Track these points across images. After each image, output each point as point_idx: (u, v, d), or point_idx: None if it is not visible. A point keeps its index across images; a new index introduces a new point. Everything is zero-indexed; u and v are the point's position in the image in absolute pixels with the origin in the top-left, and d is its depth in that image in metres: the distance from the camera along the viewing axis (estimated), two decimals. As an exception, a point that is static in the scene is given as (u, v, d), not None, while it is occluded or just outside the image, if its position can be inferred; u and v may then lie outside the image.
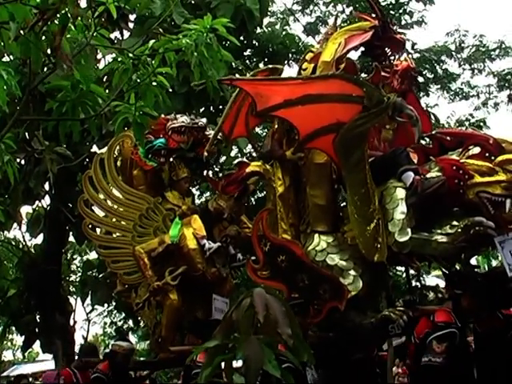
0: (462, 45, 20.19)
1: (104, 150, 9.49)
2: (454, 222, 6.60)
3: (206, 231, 8.56)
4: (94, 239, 9.20)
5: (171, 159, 9.06)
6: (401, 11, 15.29)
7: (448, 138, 7.45)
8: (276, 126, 7.95)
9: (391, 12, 14.96)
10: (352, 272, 7.11)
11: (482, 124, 20.21)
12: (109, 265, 9.05)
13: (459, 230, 6.52)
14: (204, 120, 9.24)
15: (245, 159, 9.50)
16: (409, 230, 6.74)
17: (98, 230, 9.26)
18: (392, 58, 7.74)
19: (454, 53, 19.59)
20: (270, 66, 8.24)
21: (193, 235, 8.49)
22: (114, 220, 9.07)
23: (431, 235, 6.69)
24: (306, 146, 7.21)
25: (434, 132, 7.91)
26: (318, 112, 6.74)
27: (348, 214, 7.20)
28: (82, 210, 9.07)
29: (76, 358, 10.64)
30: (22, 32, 4.52)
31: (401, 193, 6.88)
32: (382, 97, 6.65)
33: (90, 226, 9.17)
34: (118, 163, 9.19)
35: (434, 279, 24.95)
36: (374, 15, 7.77)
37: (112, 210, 9.03)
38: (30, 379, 11.05)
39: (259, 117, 7.59)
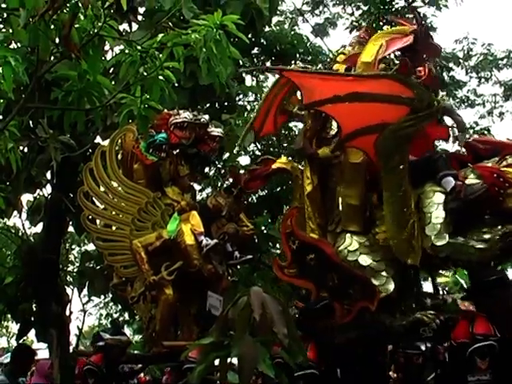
0: (470, 52, 20.22)
1: (106, 142, 9.49)
2: (486, 229, 6.62)
3: (203, 228, 8.56)
4: (93, 231, 9.20)
5: (174, 154, 9.05)
6: (412, 15, 15.22)
7: (482, 146, 7.45)
8: (309, 124, 7.93)
9: (403, 16, 14.88)
10: (384, 273, 7.08)
11: (486, 132, 20.20)
12: (106, 257, 9.06)
13: (497, 237, 6.56)
14: (206, 117, 9.23)
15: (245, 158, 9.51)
16: (446, 234, 6.75)
17: (97, 222, 9.26)
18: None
19: (461, 60, 19.60)
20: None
21: (190, 231, 8.49)
22: (113, 213, 9.07)
23: (467, 241, 6.70)
24: (347, 145, 7.18)
25: (469, 139, 7.93)
26: (364, 111, 6.72)
27: (379, 215, 7.20)
28: (81, 201, 9.07)
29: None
30: (31, 20, 4.52)
31: (440, 197, 6.89)
32: (433, 100, 6.63)
33: (90, 218, 9.17)
34: (119, 156, 9.19)
35: (430, 286, 24.96)
36: (413, 21, 7.71)
37: (111, 203, 9.03)
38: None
39: (305, 110, 7.58)
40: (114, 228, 9.08)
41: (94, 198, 9.13)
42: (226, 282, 8.91)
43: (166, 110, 8.66)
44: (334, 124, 7.74)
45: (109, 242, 9.01)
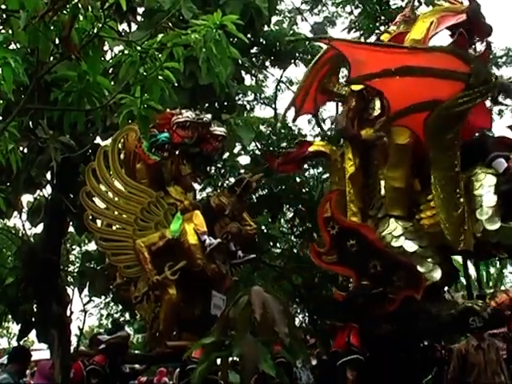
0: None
1: (108, 142, 9.48)
2: None
3: (207, 227, 8.54)
4: (95, 231, 9.19)
5: (176, 153, 9.03)
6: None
7: None
8: (351, 104, 7.77)
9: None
10: (431, 260, 6.94)
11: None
12: (109, 257, 9.05)
13: None
14: (209, 116, 9.22)
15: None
16: (498, 218, 6.60)
17: (98, 222, 9.24)
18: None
19: (461, 58, 19.57)
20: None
21: (194, 231, 8.47)
22: (115, 213, 9.06)
23: None
24: (394, 123, 6.99)
25: None
26: (415, 87, 6.52)
27: (423, 200, 7.03)
28: (84, 201, 9.06)
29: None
30: (31, 21, 4.52)
31: (491, 179, 6.75)
32: (490, 76, 6.43)
33: (91, 218, 9.16)
34: (122, 156, 9.17)
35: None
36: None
37: (114, 203, 9.02)
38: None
39: (351, 84, 7.39)
40: (116, 228, 9.06)
41: (96, 198, 9.11)
42: (229, 281, 8.89)
43: (168, 110, 8.66)
44: (377, 104, 7.56)
45: (112, 242, 9.00)
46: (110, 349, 9.21)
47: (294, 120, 9.44)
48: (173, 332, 8.66)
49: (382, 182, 7.37)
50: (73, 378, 9.71)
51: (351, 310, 7.43)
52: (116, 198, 9.02)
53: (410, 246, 6.98)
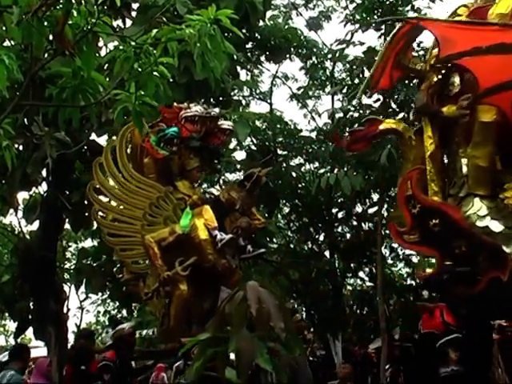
0: (465, 45, 20.18)
1: (114, 137, 9.45)
2: None
3: (216, 222, 8.48)
4: (103, 226, 9.10)
5: (184, 147, 8.96)
6: (408, 7, 15.18)
7: None
8: (432, 80, 7.67)
9: (399, 8, 14.86)
10: None
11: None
12: (117, 253, 8.97)
13: None
14: (217, 110, 9.21)
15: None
16: None
17: (106, 216, 9.17)
18: None
19: (456, 52, 19.56)
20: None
21: (204, 226, 8.40)
22: (123, 208, 8.97)
23: None
24: (481, 101, 6.85)
25: None
26: (506, 65, 6.36)
27: (508, 178, 6.94)
28: (91, 196, 8.98)
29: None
30: (24, 17, 4.50)
31: None
32: None
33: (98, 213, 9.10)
34: (129, 151, 9.10)
35: (428, 278, 25.02)
36: None
37: (122, 198, 8.93)
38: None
39: (441, 63, 7.26)
40: (124, 223, 8.98)
41: (103, 193, 9.04)
42: (237, 276, 8.82)
43: (175, 104, 8.62)
44: (456, 81, 7.45)
45: (119, 238, 8.93)
46: (118, 344, 9.22)
47: (371, 95, 9.32)
48: (183, 328, 8.61)
49: (464, 160, 7.21)
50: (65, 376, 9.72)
51: (438, 290, 7.31)
52: (124, 193, 8.94)
53: (496, 226, 6.84)
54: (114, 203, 9.05)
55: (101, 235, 12.95)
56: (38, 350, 13.19)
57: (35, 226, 11.86)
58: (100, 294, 15.69)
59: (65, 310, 12.94)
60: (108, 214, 9.09)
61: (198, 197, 8.79)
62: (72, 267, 16.47)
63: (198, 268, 8.38)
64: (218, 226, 8.45)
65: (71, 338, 16.29)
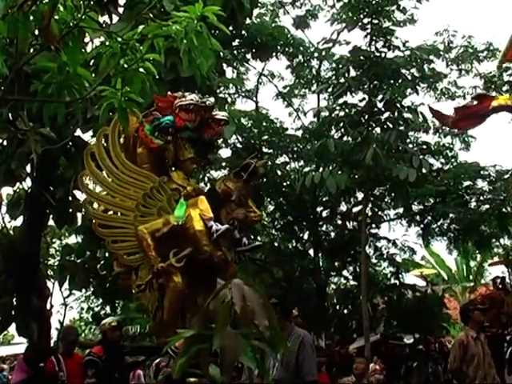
0: (451, 45, 20.34)
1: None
2: None
3: (212, 213, 8.37)
4: (94, 217, 8.85)
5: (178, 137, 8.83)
6: (394, 7, 15.24)
7: None
8: None
9: (384, 8, 14.92)
10: None
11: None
12: (108, 245, 8.74)
13: None
14: (212, 99, 9.08)
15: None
16: None
17: (96, 207, 8.99)
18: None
19: (442, 52, 19.69)
20: None
21: (199, 216, 8.24)
22: (115, 198, 8.80)
23: None
24: None
25: None
26: None
27: None
28: (82, 186, 8.79)
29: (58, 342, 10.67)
30: (10, 11, 4.47)
31: None
32: None
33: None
34: (121, 140, 8.94)
35: (412, 278, 25.17)
36: None
37: (114, 188, 8.73)
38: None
39: None
40: (116, 214, 8.82)
41: (94, 183, 8.86)
42: (232, 269, 8.65)
43: (169, 93, 8.54)
44: None
45: (111, 229, 8.71)
46: (104, 339, 9.19)
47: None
48: (177, 321, 8.50)
49: None
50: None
51: None
52: (116, 183, 8.75)
53: None
54: (104, 193, 8.88)
55: (85, 231, 12.94)
56: (21, 346, 13.14)
57: (19, 221, 11.84)
58: (83, 290, 15.62)
59: (48, 307, 12.91)
60: (99, 204, 8.92)
61: (192, 188, 8.63)
62: (56, 263, 16.41)
63: (193, 260, 8.23)
64: (213, 217, 8.33)
65: (54, 334, 16.34)
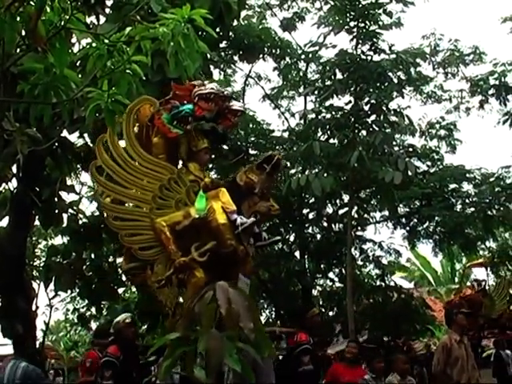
0: (437, 48, 20.46)
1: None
2: None
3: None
4: (107, 210, 8.46)
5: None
6: (380, 11, 15.27)
7: None
8: None
9: (371, 12, 14.95)
10: None
11: (452, 127, 20.50)
12: (122, 238, 8.32)
13: None
14: (229, 89, 8.90)
15: None
16: None
17: (108, 199, 8.59)
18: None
19: (428, 56, 19.78)
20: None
21: (222, 209, 7.94)
22: (130, 190, 8.39)
23: None
24: None
25: None
26: None
27: None
28: (94, 177, 8.37)
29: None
30: (-4, 12, 4.47)
31: None
32: None
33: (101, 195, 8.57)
34: (136, 129, 8.59)
35: (397, 280, 25.25)
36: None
37: (128, 179, 8.30)
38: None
39: None
40: (131, 206, 8.48)
41: (107, 173, 8.45)
42: (249, 264, 8.34)
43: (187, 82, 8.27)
44: None
45: (126, 222, 8.29)
46: (118, 338, 9.05)
47: None
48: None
49: None
50: (89, 368, 9.61)
51: None
52: (130, 174, 8.37)
53: None
54: (118, 184, 8.43)
55: (70, 232, 12.91)
56: (6, 347, 13.07)
57: (4, 222, 11.79)
58: (69, 291, 15.57)
59: (33, 308, 12.87)
60: (110, 195, 8.51)
61: (209, 180, 8.33)
62: (41, 264, 16.36)
63: (216, 254, 7.92)
64: (236, 210, 8.05)
65: (39, 335, 16.28)
